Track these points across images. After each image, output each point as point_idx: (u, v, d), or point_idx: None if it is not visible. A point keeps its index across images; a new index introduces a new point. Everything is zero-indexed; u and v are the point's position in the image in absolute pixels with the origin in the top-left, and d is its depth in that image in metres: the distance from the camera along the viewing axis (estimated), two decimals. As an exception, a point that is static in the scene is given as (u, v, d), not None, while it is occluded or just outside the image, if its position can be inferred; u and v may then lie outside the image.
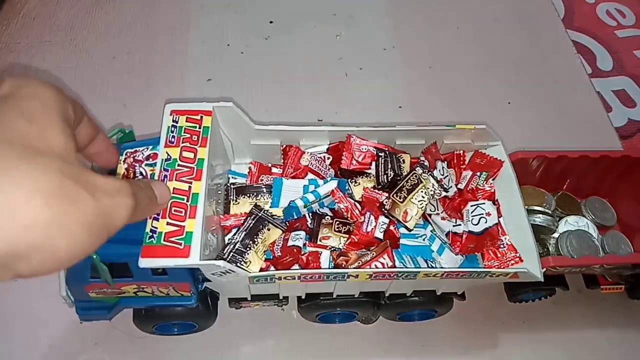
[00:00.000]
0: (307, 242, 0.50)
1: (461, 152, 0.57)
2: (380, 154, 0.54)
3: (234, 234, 0.48)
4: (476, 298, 0.64)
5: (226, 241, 0.49)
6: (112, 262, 0.46)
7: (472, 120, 0.57)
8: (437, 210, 0.53)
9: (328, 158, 0.56)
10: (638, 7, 1.02)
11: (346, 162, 0.54)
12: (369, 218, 0.50)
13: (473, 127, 0.53)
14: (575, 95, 0.86)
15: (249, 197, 0.52)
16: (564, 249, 0.59)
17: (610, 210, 0.66)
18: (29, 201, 0.24)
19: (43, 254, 0.25)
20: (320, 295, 0.55)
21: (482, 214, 0.52)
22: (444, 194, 0.53)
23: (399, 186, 0.51)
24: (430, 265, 0.51)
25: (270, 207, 0.52)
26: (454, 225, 0.52)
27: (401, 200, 0.50)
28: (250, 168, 0.55)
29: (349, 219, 0.51)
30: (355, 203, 0.52)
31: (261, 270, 0.47)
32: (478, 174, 0.56)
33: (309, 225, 0.51)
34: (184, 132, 0.44)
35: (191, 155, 0.43)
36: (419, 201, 0.50)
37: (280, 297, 0.54)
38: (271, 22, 0.92)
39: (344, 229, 0.50)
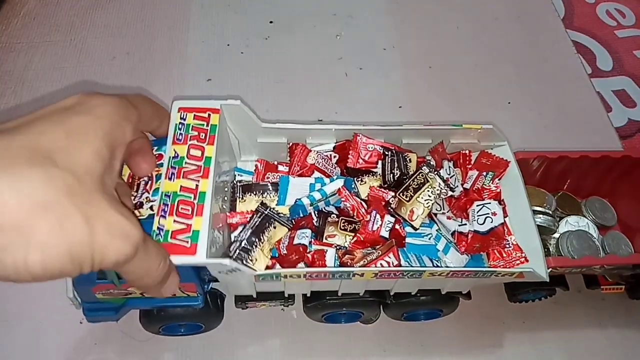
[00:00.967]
0: (313, 240, 0.50)
1: (467, 151, 0.57)
2: (386, 152, 0.54)
3: (240, 232, 0.48)
4: (476, 298, 0.64)
5: (232, 239, 0.49)
6: None
7: (472, 120, 0.57)
8: (443, 209, 0.53)
9: (334, 156, 0.56)
10: (638, 7, 1.02)
11: (352, 161, 0.54)
12: (375, 217, 0.50)
13: (480, 127, 0.54)
14: (575, 95, 0.86)
15: (255, 194, 0.52)
16: (565, 249, 0.59)
17: (610, 210, 0.66)
18: (15, 203, 0.23)
19: (14, 260, 0.24)
20: (327, 294, 0.55)
21: (488, 213, 0.53)
22: (450, 193, 0.53)
23: (406, 185, 0.51)
24: (435, 265, 0.51)
25: (276, 205, 0.51)
26: (459, 225, 0.52)
27: (407, 199, 0.50)
28: (256, 166, 0.55)
29: (354, 217, 0.51)
30: (361, 202, 0.52)
31: (267, 268, 0.47)
32: (484, 173, 0.56)
33: (315, 224, 0.51)
34: (192, 130, 0.44)
35: (199, 153, 0.42)
36: (425, 200, 0.50)
37: (286, 295, 0.54)
38: (271, 22, 0.92)
39: (350, 227, 0.50)
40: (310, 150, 0.54)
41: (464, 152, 0.57)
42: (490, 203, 0.53)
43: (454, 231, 0.52)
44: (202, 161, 0.42)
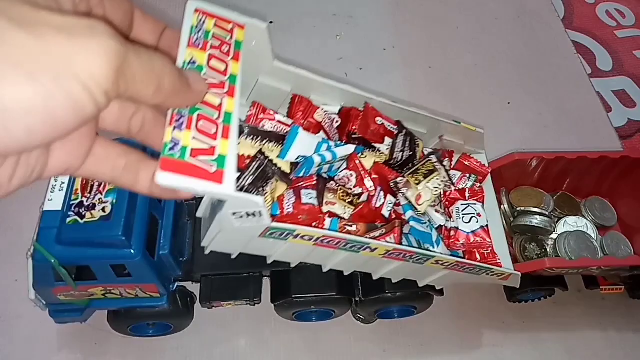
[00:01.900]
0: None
1: (451, 151, 0.57)
2: (401, 130, 0.51)
3: (239, 179, 0.43)
4: (476, 298, 0.64)
5: None
6: (72, 265, 0.46)
7: (472, 120, 0.58)
8: (434, 202, 0.53)
9: (337, 121, 0.51)
10: (638, 8, 1.02)
11: (362, 130, 0.50)
12: (379, 194, 0.48)
13: (475, 128, 0.54)
14: (575, 95, 0.86)
15: (252, 139, 0.45)
16: (562, 250, 0.59)
17: (610, 210, 0.66)
18: None
19: None
20: (293, 293, 0.54)
21: (474, 213, 0.53)
22: (452, 188, 0.53)
23: (415, 168, 0.50)
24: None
25: (277, 157, 0.46)
26: (446, 220, 0.52)
27: (417, 182, 0.49)
28: (251, 108, 0.47)
29: (355, 188, 0.48)
30: (370, 173, 0.49)
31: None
32: (467, 175, 0.56)
33: (314, 188, 0.46)
34: (212, 38, 0.34)
35: (222, 66, 0.33)
36: (434, 187, 0.50)
37: (269, 262, 0.48)
38: (271, 22, 0.92)
39: (348, 199, 0.48)
40: (318, 108, 0.49)
41: (449, 150, 0.57)
42: (475, 204, 0.54)
43: (440, 226, 0.52)
44: (226, 77, 0.33)
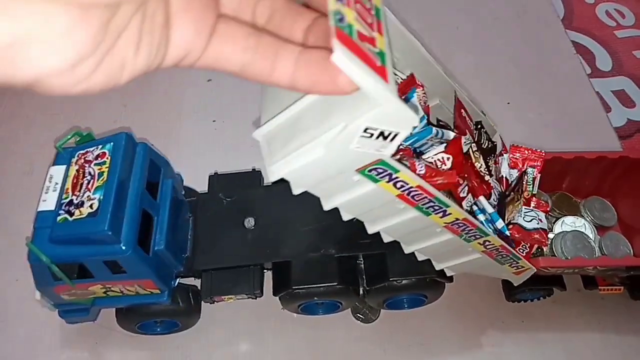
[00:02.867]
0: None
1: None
2: (478, 123, 0.53)
3: None
4: (476, 298, 0.64)
5: None
6: (66, 263, 0.47)
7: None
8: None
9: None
10: (637, 8, 1.02)
11: (458, 119, 0.50)
12: (464, 187, 0.48)
13: (493, 124, 0.54)
14: (574, 96, 0.86)
15: None
16: (558, 249, 0.59)
17: (610, 210, 0.66)
18: None
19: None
20: (293, 285, 0.54)
21: (535, 217, 0.54)
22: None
23: (519, 187, 0.52)
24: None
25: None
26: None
27: (517, 201, 0.51)
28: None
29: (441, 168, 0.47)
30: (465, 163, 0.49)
31: None
32: (526, 171, 0.57)
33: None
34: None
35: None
36: (519, 211, 0.51)
37: (325, 208, 0.42)
38: None
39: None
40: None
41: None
42: (539, 214, 0.55)
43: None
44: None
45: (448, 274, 0.55)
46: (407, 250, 0.50)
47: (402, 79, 0.48)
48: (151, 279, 0.49)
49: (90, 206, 0.45)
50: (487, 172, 0.51)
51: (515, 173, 0.58)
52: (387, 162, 0.34)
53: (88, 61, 0.17)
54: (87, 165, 0.48)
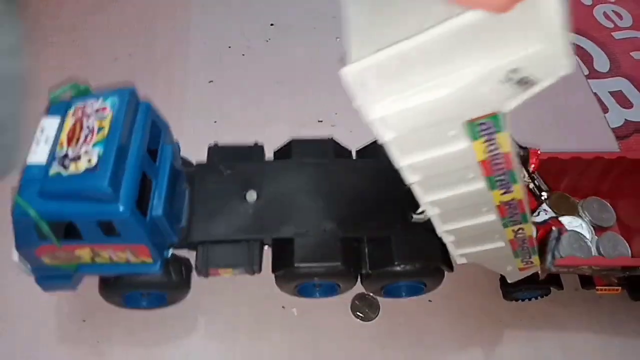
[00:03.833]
0: None
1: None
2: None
3: None
4: (475, 297, 0.64)
5: None
6: (55, 220, 0.43)
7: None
8: None
9: None
10: (635, 9, 1.03)
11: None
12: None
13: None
14: (572, 96, 0.87)
15: None
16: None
17: (609, 211, 0.66)
18: None
19: None
20: (296, 261, 0.52)
21: (541, 210, 0.55)
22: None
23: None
24: None
25: None
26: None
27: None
28: None
29: None
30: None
31: None
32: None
33: None
34: None
35: None
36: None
37: (399, 165, 0.39)
38: (272, 24, 0.92)
39: None
40: None
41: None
42: (540, 207, 0.55)
43: None
44: None
45: (458, 262, 0.53)
46: (440, 229, 0.47)
47: None
48: (146, 245, 0.46)
49: (89, 161, 0.42)
50: None
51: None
52: (500, 118, 0.31)
53: None
54: (85, 118, 0.45)
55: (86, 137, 0.44)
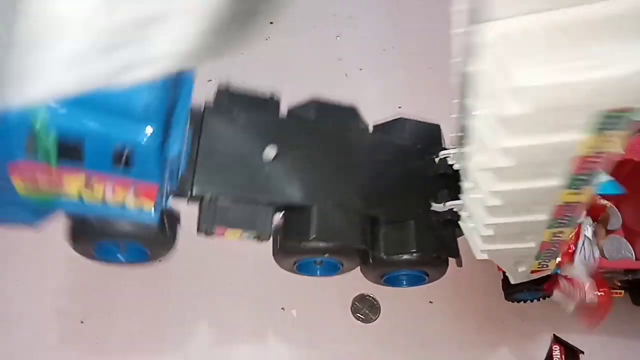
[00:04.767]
0: None
1: None
2: None
3: None
4: (475, 298, 0.64)
5: None
6: (65, 134, 0.34)
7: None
8: None
9: None
10: (637, 8, 1.02)
11: None
12: None
13: None
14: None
15: None
16: None
17: (614, 214, 0.65)
18: None
19: None
20: (313, 234, 0.46)
21: None
22: None
23: None
24: None
25: None
26: None
27: None
28: None
29: None
30: None
31: None
32: None
33: None
34: None
35: None
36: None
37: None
38: (271, 22, 0.92)
39: None
40: None
41: None
42: None
43: None
44: None
45: (478, 257, 0.49)
46: (486, 221, 0.44)
47: None
48: (157, 183, 0.39)
49: None
50: None
51: None
52: (634, 115, 0.30)
53: None
54: None
55: None
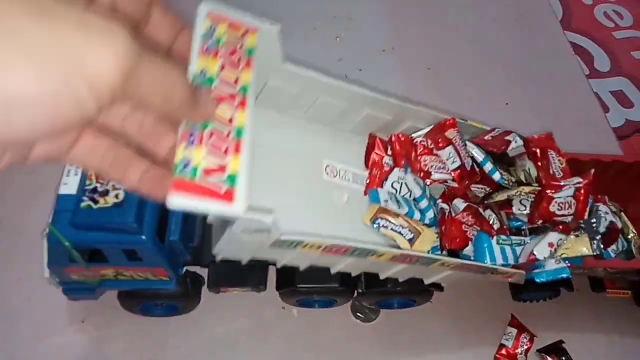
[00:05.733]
0: None
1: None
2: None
3: None
4: (476, 298, 0.64)
5: None
6: (85, 248, 0.48)
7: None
8: None
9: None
10: (635, 9, 1.03)
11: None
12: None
13: (481, 125, 0.56)
14: (573, 96, 0.87)
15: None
16: None
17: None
18: None
19: None
20: (297, 283, 0.56)
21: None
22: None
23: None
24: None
25: None
26: None
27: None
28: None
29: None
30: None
31: None
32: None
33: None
34: (225, 45, 0.33)
35: (233, 77, 0.32)
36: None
37: (278, 266, 0.47)
38: (272, 24, 0.92)
39: None
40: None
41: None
42: None
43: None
44: (237, 89, 0.31)
45: (443, 285, 0.57)
46: (381, 276, 0.52)
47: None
48: (164, 268, 0.51)
49: (116, 196, 0.46)
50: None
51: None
52: (284, 239, 0.38)
53: None
54: None
55: None
